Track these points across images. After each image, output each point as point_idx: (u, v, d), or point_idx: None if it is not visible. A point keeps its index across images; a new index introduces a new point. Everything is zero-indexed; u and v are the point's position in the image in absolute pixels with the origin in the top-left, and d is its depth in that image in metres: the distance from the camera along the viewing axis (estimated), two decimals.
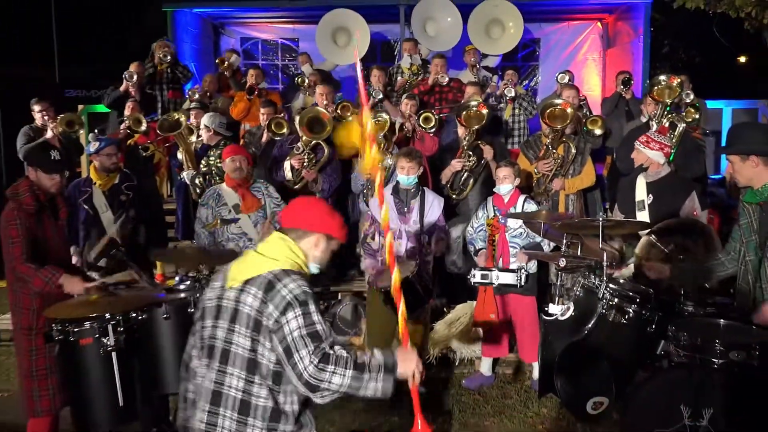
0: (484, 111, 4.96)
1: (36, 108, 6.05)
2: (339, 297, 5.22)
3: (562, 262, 3.38)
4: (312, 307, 2.02)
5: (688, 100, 5.68)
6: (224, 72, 7.57)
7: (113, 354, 2.90)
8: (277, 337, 2.00)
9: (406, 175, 4.13)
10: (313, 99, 6.36)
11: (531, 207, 4.29)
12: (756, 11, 7.53)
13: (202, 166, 5.40)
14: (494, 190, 4.40)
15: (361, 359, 2.02)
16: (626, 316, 3.06)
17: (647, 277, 3.35)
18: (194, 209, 5.05)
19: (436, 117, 5.48)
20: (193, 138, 5.96)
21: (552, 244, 4.12)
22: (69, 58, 12.83)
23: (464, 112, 4.98)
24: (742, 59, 15.61)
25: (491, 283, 3.99)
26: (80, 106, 7.70)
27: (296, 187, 5.05)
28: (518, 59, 8.73)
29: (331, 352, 1.99)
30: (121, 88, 6.61)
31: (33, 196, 3.22)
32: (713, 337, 2.67)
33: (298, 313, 1.99)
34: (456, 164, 5.00)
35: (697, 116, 5.49)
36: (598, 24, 8.82)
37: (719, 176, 7.43)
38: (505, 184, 4.28)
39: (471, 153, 5.02)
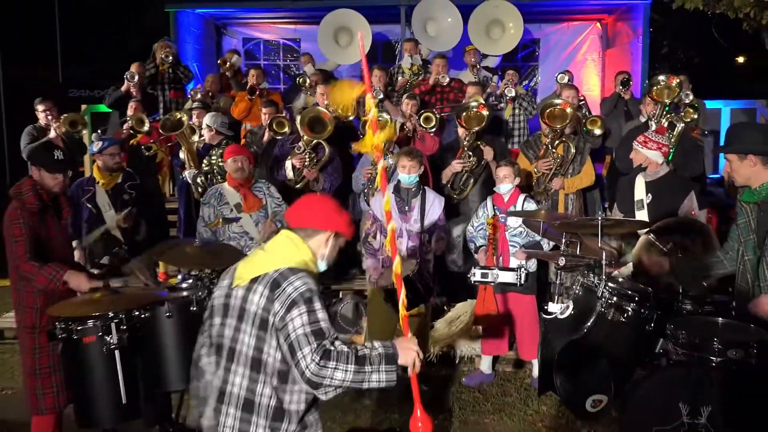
0: (485, 112, 4.98)
1: (40, 108, 6.07)
2: (340, 295, 5.24)
3: (562, 261, 3.40)
4: (317, 305, 2.03)
5: (687, 101, 5.70)
6: (226, 72, 7.59)
7: (116, 352, 2.91)
8: (282, 334, 2.01)
9: (408, 174, 4.15)
10: (314, 99, 6.38)
11: (531, 206, 4.31)
12: (754, 12, 7.55)
13: (203, 165, 5.42)
14: (494, 189, 4.42)
15: (362, 352, 2.02)
16: (625, 315, 3.08)
17: (647, 273, 3.37)
18: (196, 208, 5.07)
19: (437, 117, 5.50)
20: (196, 137, 5.98)
21: (551, 243, 4.14)
22: (72, 59, 12.83)
23: (464, 113, 5.00)
24: (741, 60, 15.64)
25: (491, 282, 4.00)
26: (83, 106, 7.72)
27: (297, 186, 5.08)
28: (518, 59, 8.75)
29: (332, 348, 1.99)
30: (123, 89, 6.63)
31: (36, 195, 3.24)
32: (711, 335, 2.69)
33: (303, 311, 2.00)
34: (456, 165, 5.02)
35: (695, 116, 5.51)
36: (598, 24, 8.84)
37: (718, 176, 7.44)
38: (505, 184, 4.30)
39: (471, 154, 5.04)
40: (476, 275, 3.97)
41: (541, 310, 3.53)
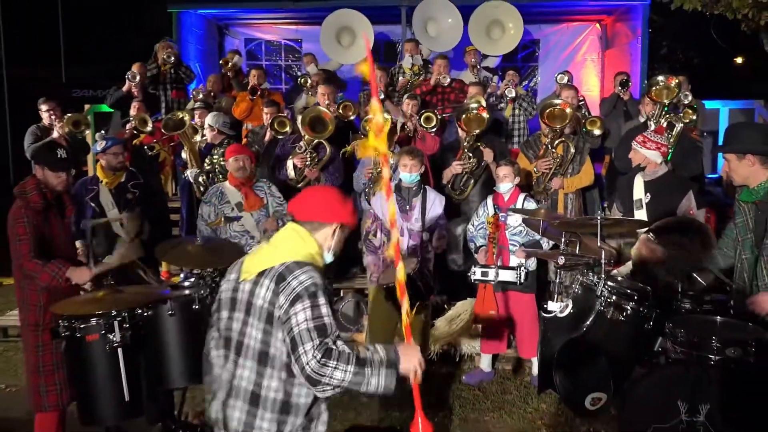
0: (485, 115, 4.98)
1: (43, 108, 6.10)
2: (341, 294, 5.27)
3: (561, 260, 3.42)
4: (321, 300, 2.02)
5: (686, 101, 5.73)
6: (227, 72, 7.62)
7: (119, 350, 2.91)
8: (285, 328, 2.01)
9: (409, 173, 4.17)
10: (315, 99, 6.41)
11: (530, 205, 4.33)
12: (753, 13, 7.58)
13: (205, 164, 5.46)
14: (494, 188, 4.45)
15: (363, 354, 2.01)
16: (624, 313, 3.08)
17: (644, 263, 3.38)
18: (198, 207, 5.10)
19: (438, 117, 5.52)
20: (198, 137, 6.01)
21: (551, 242, 4.16)
22: (75, 59, 12.85)
23: (464, 116, 5.01)
24: (739, 60, 15.67)
25: (491, 281, 4.02)
26: (86, 106, 7.75)
27: (299, 185, 5.11)
28: (518, 60, 8.78)
29: (334, 347, 1.98)
30: (124, 89, 6.66)
31: (40, 194, 3.26)
32: (710, 333, 2.70)
33: (306, 306, 2.00)
34: (456, 167, 5.04)
35: (694, 117, 5.54)
36: (597, 25, 8.87)
37: (716, 175, 7.47)
38: (505, 183, 4.32)
39: (471, 155, 5.07)
40: (476, 274, 3.99)
41: (541, 308, 3.54)
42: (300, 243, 2.13)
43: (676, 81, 5.22)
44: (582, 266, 3.42)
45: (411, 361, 2.08)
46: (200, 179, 5.43)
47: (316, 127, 5.11)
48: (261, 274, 2.10)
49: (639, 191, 4.05)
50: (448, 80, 6.34)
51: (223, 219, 4.25)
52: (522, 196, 4.37)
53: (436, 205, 4.24)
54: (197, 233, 4.48)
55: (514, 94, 6.26)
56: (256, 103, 6.73)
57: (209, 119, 5.72)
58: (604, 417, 3.57)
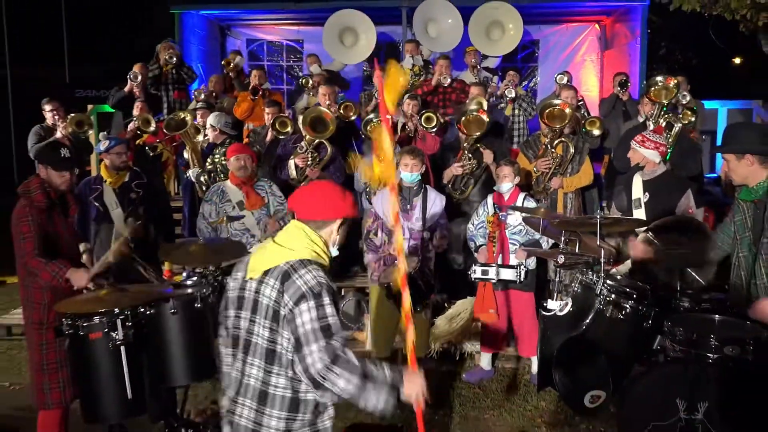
0: (484, 117, 5.00)
1: (47, 108, 6.12)
2: (342, 292, 5.29)
3: (561, 259, 3.44)
4: (326, 299, 2.02)
5: (684, 101, 5.75)
6: (229, 73, 7.65)
7: (122, 348, 2.92)
8: (290, 327, 2.02)
9: (410, 173, 4.19)
10: (316, 99, 6.44)
11: (530, 205, 4.35)
12: (751, 14, 7.61)
13: (207, 164, 5.49)
14: (494, 188, 4.47)
15: (369, 370, 2.01)
16: (623, 312, 3.11)
17: (637, 261, 3.40)
18: (200, 206, 5.13)
19: (438, 118, 5.54)
20: (200, 137, 6.04)
21: (551, 241, 4.18)
22: (79, 59, 12.91)
23: (464, 118, 5.03)
24: (737, 61, 15.72)
25: (491, 279, 4.05)
26: (90, 106, 7.77)
27: (301, 185, 5.13)
28: (518, 60, 8.80)
29: (343, 354, 1.99)
30: (126, 89, 6.68)
31: (44, 193, 3.28)
32: (708, 332, 2.72)
33: (311, 305, 2.00)
34: (456, 168, 5.07)
35: (693, 119, 5.57)
36: (596, 26, 8.89)
37: (714, 175, 7.51)
38: (505, 183, 4.35)
39: (471, 156, 5.09)
40: (476, 272, 4.02)
41: (540, 307, 3.55)
42: (305, 241, 2.13)
43: (675, 81, 5.24)
44: (581, 265, 3.45)
45: (413, 388, 2.08)
46: (202, 179, 5.46)
47: (317, 127, 5.14)
48: (266, 272, 2.11)
49: (638, 190, 4.06)
50: (449, 80, 6.36)
51: (225, 218, 4.27)
52: (522, 195, 4.39)
53: (436, 204, 4.26)
54: (197, 232, 4.50)
55: (513, 95, 6.28)
56: (258, 103, 6.76)
57: (211, 119, 5.75)
58: (604, 415, 3.59)
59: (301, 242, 2.14)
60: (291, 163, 5.19)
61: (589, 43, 8.92)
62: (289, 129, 5.56)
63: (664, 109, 5.18)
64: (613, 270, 3.42)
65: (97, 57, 13.04)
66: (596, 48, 8.88)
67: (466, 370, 4.57)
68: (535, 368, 4.30)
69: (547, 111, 5.03)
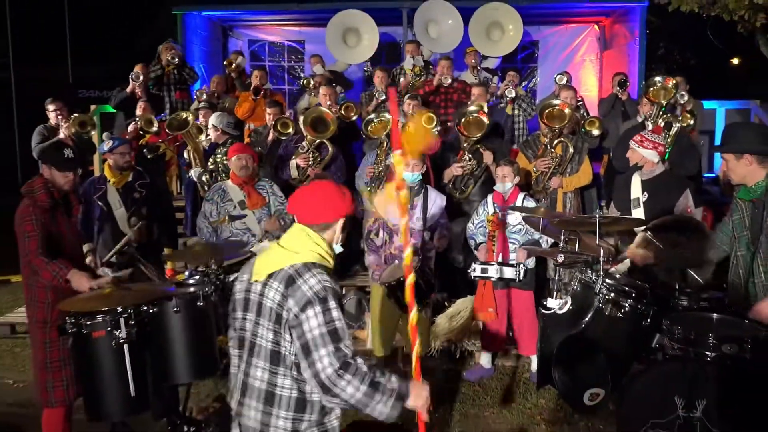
0: (484, 118, 5.02)
1: (50, 108, 6.14)
2: (343, 291, 5.31)
3: (560, 258, 3.45)
4: (332, 304, 2.03)
5: (682, 101, 5.78)
6: (231, 73, 7.67)
7: (125, 346, 2.93)
8: (296, 332, 2.02)
9: (411, 172, 4.21)
10: (317, 99, 6.46)
11: (530, 204, 4.37)
12: (748, 14, 7.65)
13: (209, 164, 5.51)
14: (494, 188, 4.49)
15: (378, 379, 2.03)
16: (622, 310, 3.12)
17: (636, 264, 3.42)
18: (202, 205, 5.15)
19: (438, 117, 5.55)
20: (202, 137, 6.07)
21: (550, 240, 4.21)
22: (82, 60, 12.95)
23: (464, 119, 5.05)
24: (735, 61, 15.76)
25: (490, 277, 4.06)
26: (92, 107, 7.80)
27: (302, 185, 5.15)
28: (517, 61, 8.82)
29: (353, 361, 2.01)
30: (128, 89, 6.70)
31: (47, 193, 3.30)
32: (706, 330, 2.73)
33: (318, 311, 2.01)
34: (456, 169, 5.09)
35: (692, 122, 5.60)
36: (595, 27, 8.91)
37: (713, 174, 7.53)
38: (505, 183, 4.37)
39: (471, 156, 5.11)
40: (476, 270, 4.04)
41: (540, 305, 3.57)
42: (310, 244, 2.14)
43: (673, 82, 5.27)
44: (581, 264, 3.46)
45: (419, 400, 2.11)
46: (204, 178, 5.49)
47: (318, 128, 5.17)
48: (271, 275, 2.11)
49: (636, 190, 4.09)
50: (449, 80, 6.39)
51: (227, 217, 4.29)
52: (521, 195, 4.41)
53: (437, 203, 4.28)
54: (197, 231, 4.53)
55: (513, 95, 6.31)
56: (259, 103, 6.79)
57: (213, 119, 5.78)
58: (603, 412, 3.61)
59: (305, 245, 2.14)
60: (293, 163, 5.22)
61: (589, 44, 8.95)
62: (290, 130, 5.58)
63: (663, 109, 5.21)
64: (612, 269, 3.44)
65: (100, 57, 13.09)
66: (595, 48, 8.91)
67: (466, 368, 4.59)
68: (534, 366, 4.32)
69: (546, 111, 5.05)
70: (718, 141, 3.41)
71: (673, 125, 5.09)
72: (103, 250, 4.18)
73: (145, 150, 6.10)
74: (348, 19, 7.82)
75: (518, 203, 4.35)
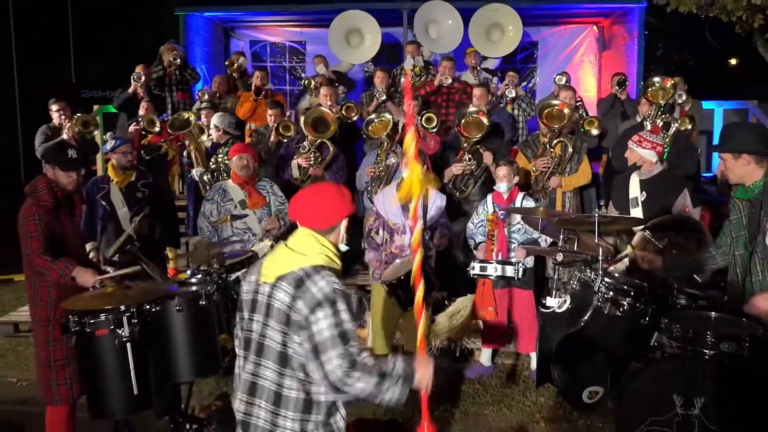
0: (484, 119, 5.04)
1: (54, 108, 6.16)
2: None
3: (559, 257, 3.48)
4: (341, 306, 2.05)
5: (680, 102, 5.80)
6: (233, 74, 7.69)
7: (128, 345, 2.95)
8: (306, 334, 2.04)
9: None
10: (318, 100, 6.48)
11: (529, 204, 4.40)
12: (746, 15, 7.67)
13: (211, 163, 5.54)
14: (494, 187, 4.52)
15: (384, 369, 2.07)
16: (621, 309, 3.13)
17: (641, 268, 3.44)
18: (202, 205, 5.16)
19: (438, 118, 5.57)
20: (204, 137, 6.09)
21: (549, 240, 4.23)
22: (85, 60, 12.98)
23: (463, 120, 5.07)
24: (733, 62, 15.80)
25: (490, 275, 4.08)
26: (95, 107, 7.82)
27: (304, 185, 5.18)
28: (517, 61, 8.85)
29: (359, 358, 2.04)
30: (130, 90, 6.72)
31: (51, 192, 3.32)
32: (705, 329, 2.74)
33: (328, 313, 2.03)
34: (456, 169, 5.11)
35: (689, 126, 5.62)
36: (594, 27, 8.94)
37: (711, 174, 7.56)
38: (505, 183, 4.40)
39: (471, 157, 5.14)
40: (475, 268, 4.06)
41: (539, 304, 3.59)
42: (317, 246, 2.15)
43: (672, 82, 5.29)
44: (580, 263, 3.48)
45: (424, 377, 2.17)
46: (205, 178, 5.51)
47: (319, 128, 5.19)
48: (279, 277, 2.12)
49: (635, 190, 4.11)
50: (449, 81, 6.41)
51: (229, 217, 4.31)
52: (521, 194, 4.44)
53: (437, 203, 4.30)
54: (198, 230, 4.55)
55: (513, 95, 6.33)
56: (260, 103, 6.81)
57: (215, 119, 5.81)
58: (601, 410, 3.63)
59: (312, 247, 2.16)
60: (294, 163, 5.24)
61: (588, 45, 8.98)
62: (291, 132, 5.62)
63: (661, 109, 5.24)
64: (611, 268, 3.46)
65: (103, 58, 13.13)
66: (594, 49, 8.94)
67: (466, 366, 4.61)
68: (534, 364, 4.35)
69: (545, 111, 5.08)
70: (716, 141, 3.42)
71: (672, 125, 5.11)
72: (106, 250, 4.20)
73: (142, 151, 6.12)
74: (350, 20, 7.86)
75: (518, 203, 4.37)
